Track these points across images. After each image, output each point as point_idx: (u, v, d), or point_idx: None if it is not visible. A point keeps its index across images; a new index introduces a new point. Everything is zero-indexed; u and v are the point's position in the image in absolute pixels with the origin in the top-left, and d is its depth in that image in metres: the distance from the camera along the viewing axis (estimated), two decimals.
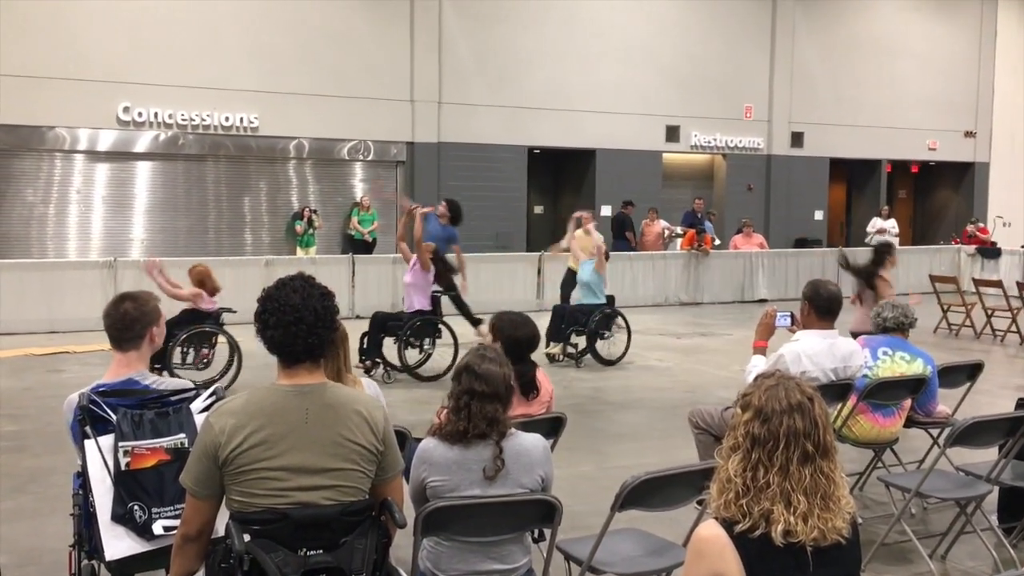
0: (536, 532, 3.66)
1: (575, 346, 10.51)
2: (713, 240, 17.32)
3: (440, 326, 9.66)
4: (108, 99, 15.54)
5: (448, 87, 18.06)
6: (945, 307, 13.14)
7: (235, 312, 9.01)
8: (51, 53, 15.05)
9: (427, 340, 9.63)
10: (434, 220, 10.92)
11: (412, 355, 9.60)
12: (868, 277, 8.44)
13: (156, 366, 8.41)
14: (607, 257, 11.05)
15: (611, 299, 10.81)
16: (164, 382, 3.52)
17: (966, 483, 4.88)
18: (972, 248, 19.01)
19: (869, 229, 20.30)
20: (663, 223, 18.08)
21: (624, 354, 10.72)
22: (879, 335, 5.72)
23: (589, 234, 11.62)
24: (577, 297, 11.02)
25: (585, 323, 10.32)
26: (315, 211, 17.03)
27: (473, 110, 18.25)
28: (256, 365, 9.68)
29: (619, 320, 10.74)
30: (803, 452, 2.23)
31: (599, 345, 10.50)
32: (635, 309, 15.39)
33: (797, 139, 21.78)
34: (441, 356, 9.73)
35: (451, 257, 10.51)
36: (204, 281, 8.75)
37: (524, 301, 13.97)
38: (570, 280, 11.91)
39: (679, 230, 17.93)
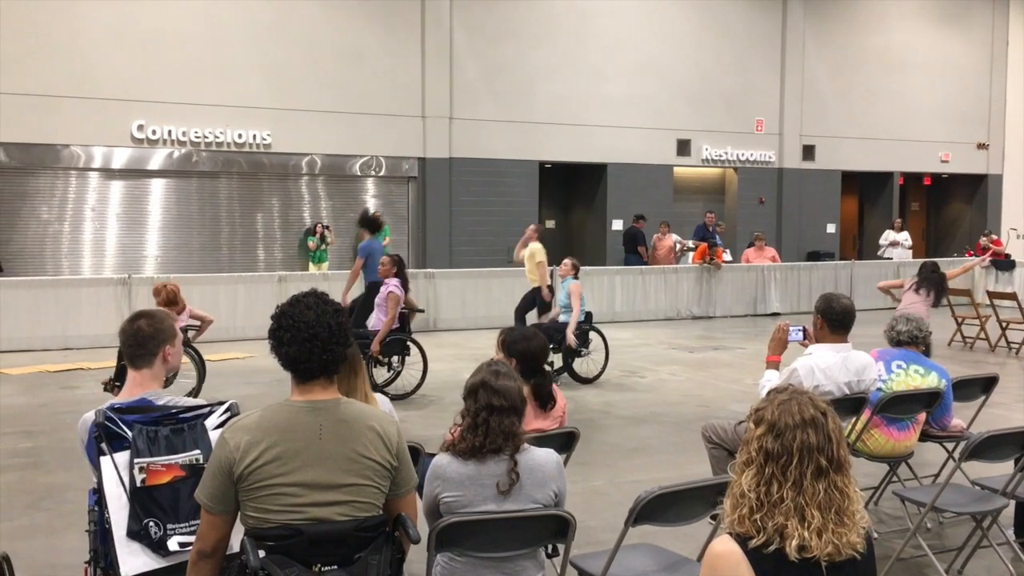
0: (550, 547, 3.66)
1: (551, 364, 10.31)
2: (724, 252, 17.32)
3: (408, 343, 9.47)
4: (122, 117, 15.68)
5: (459, 103, 18.14)
6: (959, 320, 13.08)
7: (195, 330, 8.88)
8: (66, 72, 15.21)
9: (395, 358, 9.40)
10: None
11: (380, 373, 9.35)
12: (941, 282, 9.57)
13: (117, 383, 8.35)
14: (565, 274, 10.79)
15: (588, 315, 10.62)
16: (177, 401, 3.53)
17: (982, 497, 4.84)
18: (986, 260, 18.91)
19: (882, 242, 20.25)
20: (675, 237, 18.10)
21: (602, 372, 10.51)
22: (893, 348, 5.70)
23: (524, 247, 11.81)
24: (556, 314, 10.72)
25: (560, 341, 10.08)
26: (328, 227, 17.11)
27: (484, 125, 18.33)
28: (266, 381, 9.73)
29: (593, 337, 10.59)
30: (817, 467, 2.23)
31: (576, 363, 10.38)
32: (647, 323, 15.40)
33: (808, 152, 21.76)
34: (410, 375, 9.56)
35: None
36: (175, 300, 8.58)
37: (535, 315, 13.95)
38: (530, 297, 11.84)
39: (691, 244, 17.93)
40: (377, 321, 9.30)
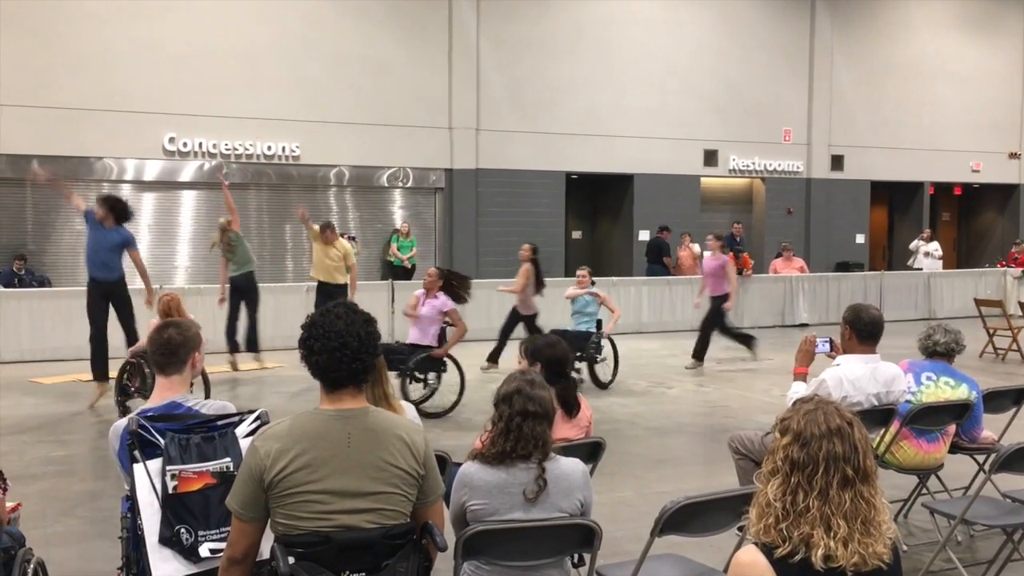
0: (576, 557, 3.67)
1: (578, 371, 10.40)
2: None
3: (446, 361, 9.20)
4: (153, 130, 15.90)
5: (485, 114, 18.22)
6: (991, 331, 12.93)
7: None
8: (98, 86, 15.45)
9: (431, 375, 9.19)
10: (96, 226, 9.54)
11: (415, 389, 9.19)
12: None
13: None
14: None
15: (599, 323, 10.88)
16: (205, 404, 3.59)
17: (1013, 510, 4.79)
18: (1018, 271, 18.69)
19: (912, 248, 20.05)
20: (697, 248, 18.01)
21: (613, 379, 10.83)
22: (924, 360, 5.64)
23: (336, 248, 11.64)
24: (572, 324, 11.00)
25: (583, 349, 10.33)
26: (354, 238, 17.22)
27: (510, 136, 18.39)
28: (295, 391, 9.80)
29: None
30: (843, 476, 2.23)
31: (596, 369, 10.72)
32: (674, 334, 15.35)
33: (837, 162, 21.62)
34: (448, 392, 9.40)
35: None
36: (175, 311, 8.39)
37: (562, 326, 13.96)
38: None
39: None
40: (419, 336, 9.21)
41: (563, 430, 4.41)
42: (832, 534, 2.19)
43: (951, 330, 5.62)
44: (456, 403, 9.25)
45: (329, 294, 11.26)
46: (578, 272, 11.27)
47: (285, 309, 13.34)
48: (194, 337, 3.67)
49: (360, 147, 17.29)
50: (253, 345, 11.52)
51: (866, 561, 2.20)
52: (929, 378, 5.50)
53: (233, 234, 11.41)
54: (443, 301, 9.22)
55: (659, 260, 17.71)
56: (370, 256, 17.84)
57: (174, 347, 3.59)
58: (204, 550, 3.24)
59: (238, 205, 17.03)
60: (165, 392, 3.59)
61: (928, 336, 5.63)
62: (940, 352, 5.59)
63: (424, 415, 8.89)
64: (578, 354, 10.19)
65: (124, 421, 3.45)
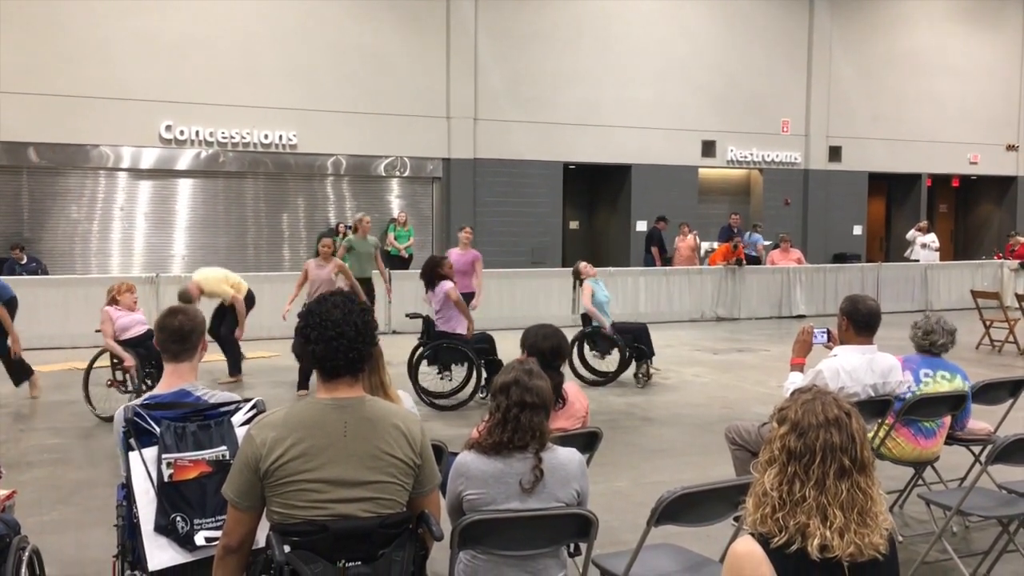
0: (572, 546, 3.67)
1: (645, 373, 10.29)
2: (745, 248, 17.22)
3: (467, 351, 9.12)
4: (150, 118, 15.86)
5: (483, 104, 18.18)
6: (988, 323, 12.95)
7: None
8: (95, 74, 15.40)
9: (455, 366, 9.19)
10: None
11: (439, 383, 9.23)
12: None
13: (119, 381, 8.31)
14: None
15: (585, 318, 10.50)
16: (213, 394, 3.59)
17: (1009, 501, 4.80)
18: (1015, 263, 18.70)
19: (908, 238, 20.05)
20: (695, 238, 17.96)
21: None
22: (916, 356, 5.61)
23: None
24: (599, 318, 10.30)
25: (633, 343, 10.10)
26: (349, 227, 17.17)
27: (508, 126, 18.36)
28: (292, 380, 9.79)
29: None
30: (840, 466, 2.22)
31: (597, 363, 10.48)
32: (671, 324, 15.36)
33: (835, 153, 21.61)
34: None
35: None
36: (116, 301, 8.42)
37: (559, 316, 13.92)
38: None
39: (714, 244, 17.92)
40: (448, 323, 9.07)
41: (558, 420, 4.40)
42: (828, 524, 2.19)
43: (949, 328, 5.59)
44: (474, 393, 9.11)
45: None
46: (583, 265, 10.70)
47: (281, 299, 13.26)
48: (201, 323, 3.71)
49: (358, 136, 17.26)
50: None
51: (862, 551, 2.20)
52: (927, 375, 5.50)
53: None
54: (440, 287, 9.15)
55: (649, 250, 17.72)
56: None
57: (186, 333, 3.60)
58: (200, 538, 3.24)
59: (234, 194, 17.07)
60: (175, 379, 3.58)
61: (927, 334, 5.56)
62: (936, 351, 5.57)
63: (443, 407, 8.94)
64: (642, 347, 10.07)
65: (122, 409, 3.44)
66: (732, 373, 11.18)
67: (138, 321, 8.48)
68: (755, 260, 17.59)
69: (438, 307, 9.12)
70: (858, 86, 21.75)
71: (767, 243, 18.72)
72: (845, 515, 2.20)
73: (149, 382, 8.02)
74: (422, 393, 8.94)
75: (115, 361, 8.39)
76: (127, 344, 8.28)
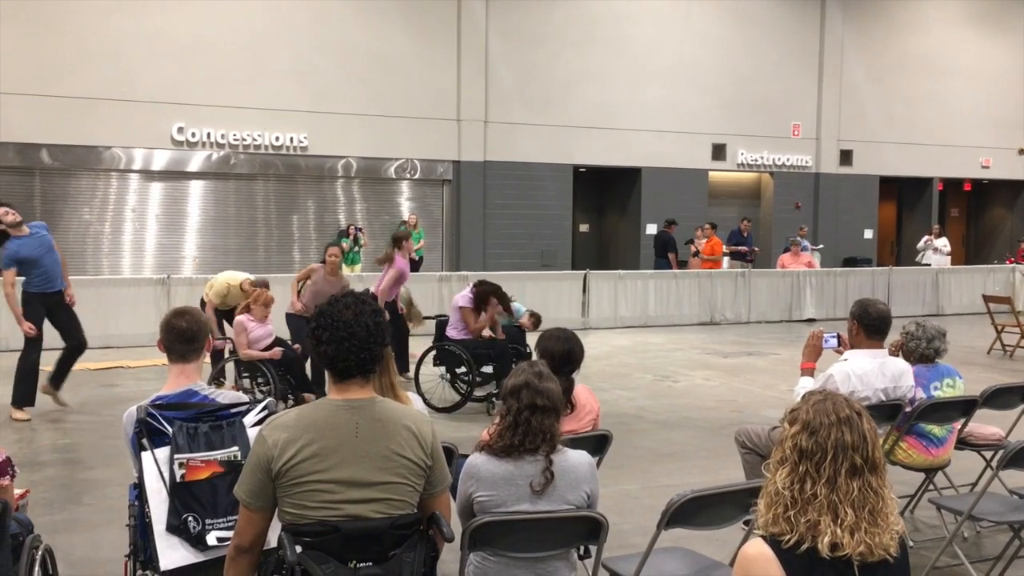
0: (582, 549, 3.67)
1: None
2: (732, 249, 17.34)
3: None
4: (162, 120, 15.93)
5: (494, 106, 18.21)
6: (999, 328, 12.89)
7: None
8: (107, 76, 15.48)
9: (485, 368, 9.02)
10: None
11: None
12: None
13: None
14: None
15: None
16: (220, 394, 3.61)
17: (1020, 506, 4.78)
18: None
19: (920, 247, 20.00)
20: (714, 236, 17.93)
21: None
22: (919, 366, 5.53)
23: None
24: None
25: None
26: (361, 229, 17.23)
27: (518, 129, 18.38)
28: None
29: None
30: (851, 465, 2.23)
31: None
32: (681, 328, 15.34)
33: (846, 157, 21.56)
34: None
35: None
36: None
37: (569, 319, 13.99)
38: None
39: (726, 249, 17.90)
40: (454, 328, 9.08)
41: (569, 423, 4.40)
42: (839, 522, 2.19)
43: (942, 331, 5.53)
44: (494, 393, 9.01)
45: None
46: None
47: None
48: (205, 323, 3.75)
49: (368, 138, 17.30)
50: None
51: (872, 551, 2.20)
52: (936, 387, 5.48)
53: None
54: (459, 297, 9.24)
55: (664, 255, 17.65)
56: (377, 248, 17.81)
57: (192, 334, 3.63)
58: (211, 538, 3.26)
59: (244, 196, 17.13)
60: (181, 379, 3.61)
61: (930, 341, 5.49)
62: (932, 358, 5.52)
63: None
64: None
65: (134, 409, 3.45)
66: (742, 377, 11.16)
67: (268, 334, 8.45)
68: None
69: (452, 315, 9.20)
70: (869, 89, 21.70)
71: (819, 246, 18.86)
72: (856, 513, 2.20)
73: (266, 388, 8.09)
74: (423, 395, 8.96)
75: (242, 370, 8.41)
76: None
